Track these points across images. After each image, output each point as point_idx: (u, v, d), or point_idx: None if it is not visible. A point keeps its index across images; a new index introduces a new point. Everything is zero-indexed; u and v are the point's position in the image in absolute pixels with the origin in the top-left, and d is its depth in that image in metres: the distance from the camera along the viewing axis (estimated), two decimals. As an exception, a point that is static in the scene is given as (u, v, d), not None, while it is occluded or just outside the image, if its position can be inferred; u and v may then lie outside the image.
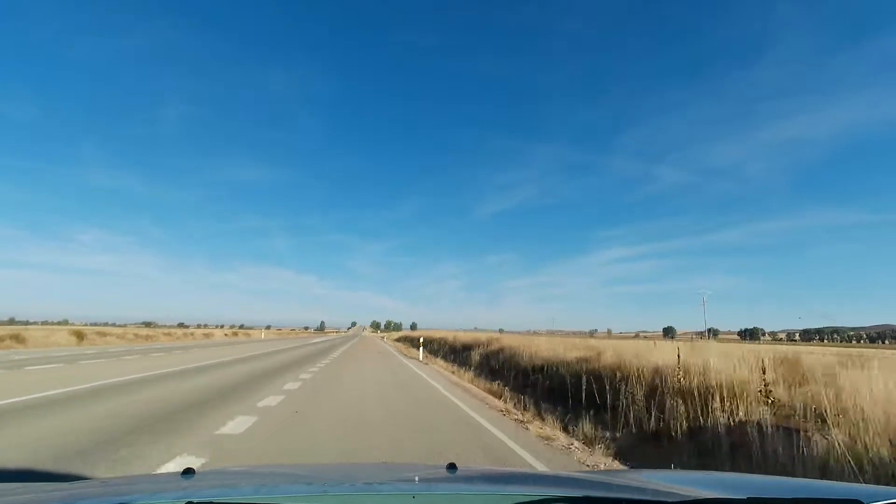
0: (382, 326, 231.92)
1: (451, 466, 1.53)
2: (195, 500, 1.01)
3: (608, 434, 6.53)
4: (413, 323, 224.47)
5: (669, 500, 1.11)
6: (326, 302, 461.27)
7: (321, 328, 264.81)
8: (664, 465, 4.77)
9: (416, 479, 1.51)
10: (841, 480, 3.71)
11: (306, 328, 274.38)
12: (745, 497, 1.11)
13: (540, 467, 4.50)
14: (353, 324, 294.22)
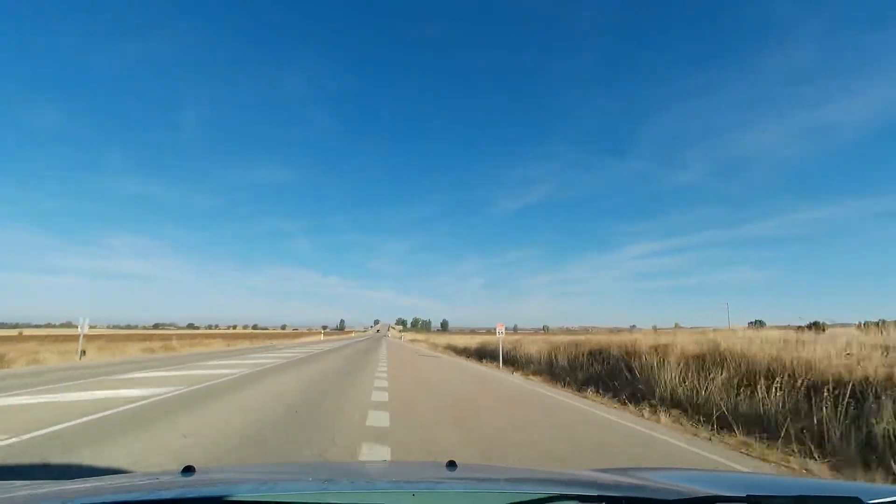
0: (409, 325, 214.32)
1: (451, 464, 1.49)
2: (195, 499, 0.98)
3: None
4: (444, 321, 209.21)
5: (670, 497, 1.09)
6: (349, 301, 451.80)
7: (341, 327, 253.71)
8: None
9: (416, 477, 1.49)
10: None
11: (324, 327, 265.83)
12: (745, 495, 1.07)
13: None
14: (376, 322, 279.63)
